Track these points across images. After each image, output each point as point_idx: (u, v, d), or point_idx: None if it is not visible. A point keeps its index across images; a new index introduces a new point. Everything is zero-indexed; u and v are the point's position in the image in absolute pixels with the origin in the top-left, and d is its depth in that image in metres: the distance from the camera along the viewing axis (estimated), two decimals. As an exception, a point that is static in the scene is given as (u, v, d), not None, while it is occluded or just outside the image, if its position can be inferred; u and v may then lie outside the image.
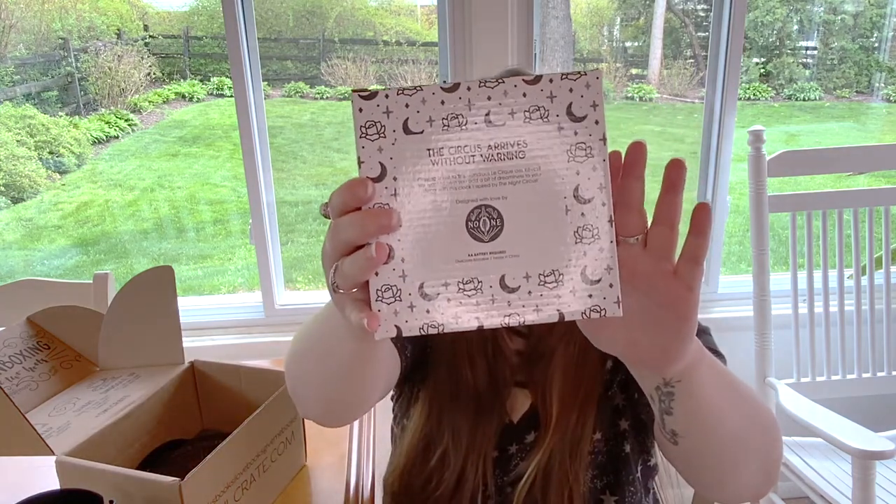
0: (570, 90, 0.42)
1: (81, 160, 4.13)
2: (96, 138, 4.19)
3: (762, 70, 4.61)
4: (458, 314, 0.42)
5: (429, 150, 0.41)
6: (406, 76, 4.51)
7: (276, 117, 4.54)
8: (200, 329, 1.91)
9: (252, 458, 0.88)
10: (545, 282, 0.42)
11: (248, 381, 1.01)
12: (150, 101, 4.48)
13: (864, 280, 1.80)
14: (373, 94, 0.41)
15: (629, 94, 4.50)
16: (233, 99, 1.74)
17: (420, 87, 0.41)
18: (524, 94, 0.42)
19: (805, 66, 4.74)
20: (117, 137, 4.30)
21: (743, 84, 4.40)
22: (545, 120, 0.42)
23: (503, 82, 0.42)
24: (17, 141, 3.76)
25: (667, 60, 4.47)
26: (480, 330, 0.43)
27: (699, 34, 4.31)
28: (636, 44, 4.68)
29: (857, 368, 1.80)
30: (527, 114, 0.42)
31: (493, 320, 0.42)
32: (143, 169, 4.35)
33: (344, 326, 0.51)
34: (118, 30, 4.33)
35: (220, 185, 4.36)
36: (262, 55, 1.78)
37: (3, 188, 3.76)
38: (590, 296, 0.43)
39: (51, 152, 3.93)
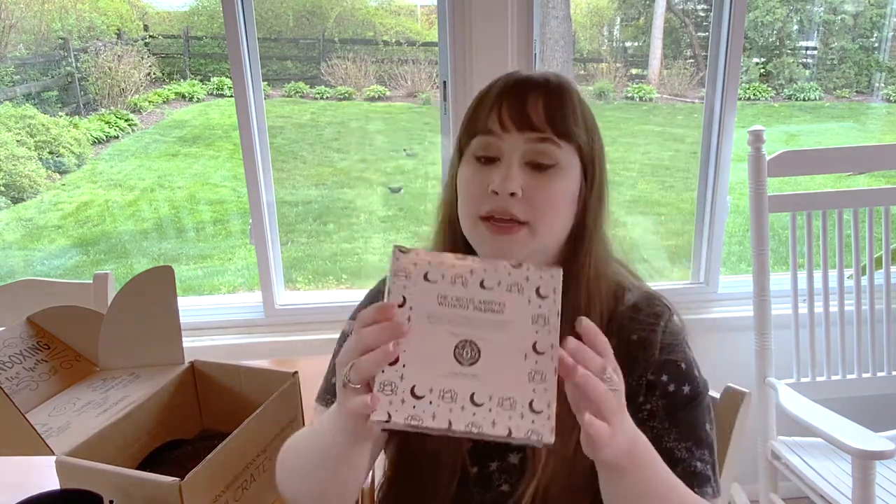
0: (540, 277, 0.59)
1: (81, 160, 4.12)
2: (96, 138, 4.19)
3: (762, 70, 4.61)
4: (434, 414, 0.55)
5: (438, 294, 0.57)
6: (406, 76, 4.51)
7: (276, 117, 4.53)
8: (200, 329, 1.91)
9: (252, 458, 0.88)
10: (503, 404, 0.56)
11: (248, 381, 1.01)
12: (150, 101, 4.48)
13: (864, 280, 1.80)
14: (409, 251, 0.58)
15: (629, 94, 4.50)
16: (233, 99, 1.74)
17: (441, 253, 0.58)
18: (509, 273, 0.58)
19: (805, 66, 4.73)
20: (117, 137, 4.29)
21: (743, 84, 4.40)
22: (520, 293, 0.58)
23: (498, 261, 0.58)
24: (17, 141, 3.76)
25: (667, 60, 4.47)
26: (449, 431, 0.55)
27: (699, 34, 4.31)
28: (636, 44, 4.68)
29: (857, 368, 1.80)
30: (509, 286, 0.58)
31: (459, 425, 0.55)
32: (143, 169, 4.35)
33: (341, 428, 0.63)
34: (118, 30, 4.33)
35: (220, 185, 4.36)
36: (262, 55, 1.78)
37: (3, 188, 3.76)
38: (532, 422, 0.56)
39: (51, 152, 3.93)
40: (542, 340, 0.57)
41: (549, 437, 0.55)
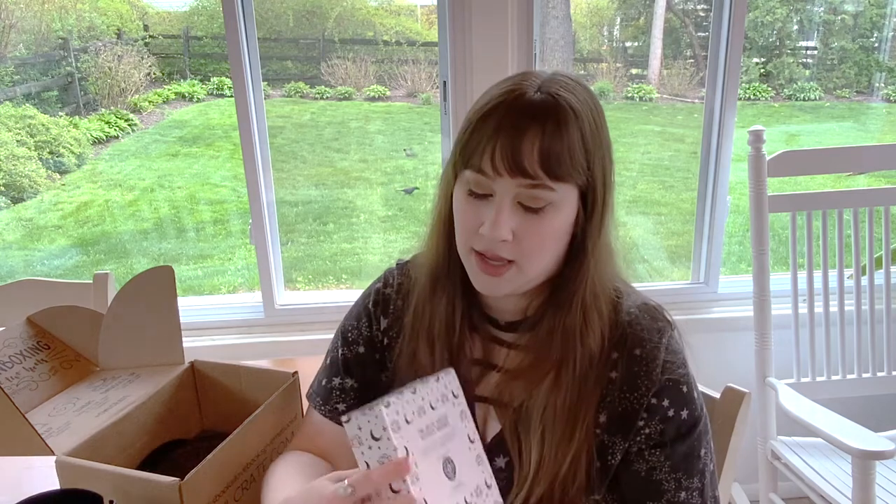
0: (448, 381, 0.69)
1: (81, 160, 4.12)
2: (96, 138, 4.19)
3: (762, 70, 4.61)
4: None
5: (419, 430, 0.63)
6: (406, 76, 4.51)
7: (276, 117, 4.53)
8: (200, 329, 1.91)
9: (252, 458, 0.88)
10: (477, 494, 0.67)
11: (248, 381, 1.01)
12: (150, 101, 4.48)
13: (864, 280, 1.80)
14: (387, 404, 0.61)
15: (629, 94, 4.50)
16: (233, 99, 1.74)
17: (397, 394, 0.63)
18: (437, 388, 0.67)
19: (805, 66, 4.73)
20: (117, 137, 4.29)
21: (743, 84, 4.40)
22: (447, 400, 0.68)
23: (427, 381, 0.67)
24: (17, 141, 3.75)
25: (667, 60, 4.47)
26: None
27: (699, 34, 4.31)
28: (636, 44, 4.68)
29: (857, 368, 1.80)
30: (441, 398, 0.67)
31: None
32: (143, 169, 4.35)
33: None
34: (118, 30, 4.33)
35: (220, 185, 4.36)
36: (262, 55, 1.78)
37: (3, 188, 3.76)
38: (491, 494, 0.68)
39: (51, 152, 3.93)
40: (470, 430, 0.69)
41: (500, 498, 0.70)
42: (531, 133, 0.69)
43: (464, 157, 0.73)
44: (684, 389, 0.77)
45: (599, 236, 0.75)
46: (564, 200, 0.72)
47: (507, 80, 0.74)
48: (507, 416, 0.80)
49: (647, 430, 0.76)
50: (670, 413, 0.76)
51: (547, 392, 0.76)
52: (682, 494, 0.76)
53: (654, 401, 0.75)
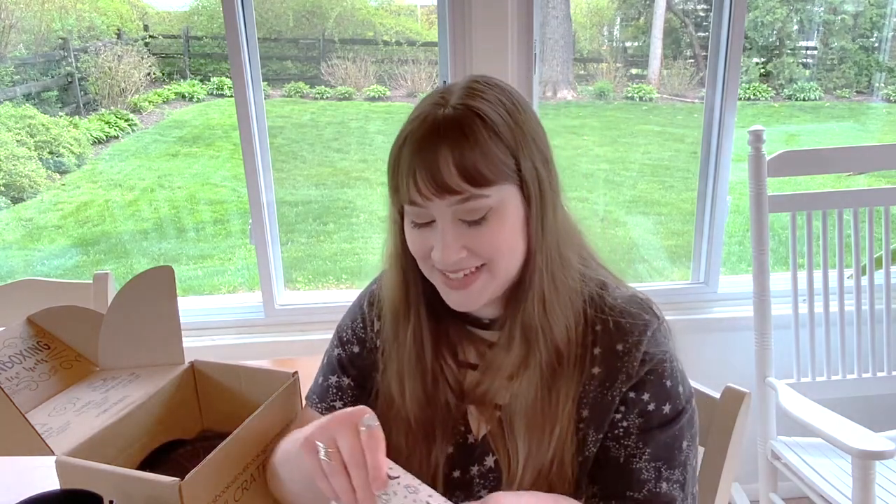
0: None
1: (81, 160, 4.13)
2: (96, 138, 4.19)
3: (762, 70, 4.62)
4: None
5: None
6: (406, 76, 4.51)
7: (276, 117, 4.54)
8: (200, 329, 1.91)
9: (252, 458, 0.88)
10: None
11: (248, 381, 1.01)
12: (150, 101, 4.48)
13: (864, 280, 1.80)
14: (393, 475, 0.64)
15: (629, 94, 4.51)
16: (233, 99, 1.74)
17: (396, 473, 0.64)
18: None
19: (805, 66, 4.74)
20: (117, 137, 4.30)
21: (743, 84, 4.40)
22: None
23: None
24: (17, 141, 3.76)
25: (667, 60, 4.47)
26: None
27: (699, 34, 4.31)
28: (636, 44, 4.68)
29: (857, 368, 1.80)
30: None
31: None
32: (143, 169, 4.35)
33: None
34: (118, 30, 4.34)
35: (220, 185, 4.36)
36: (262, 55, 1.78)
37: (3, 188, 3.76)
38: None
39: (51, 152, 3.94)
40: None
41: None
42: (443, 150, 0.68)
43: (395, 193, 0.74)
44: (668, 384, 0.76)
45: (543, 228, 0.74)
46: (504, 201, 0.71)
47: (418, 105, 0.74)
48: (492, 416, 0.80)
49: (624, 423, 0.75)
50: (650, 407, 0.75)
51: (524, 387, 0.76)
52: (664, 485, 0.75)
53: (632, 395, 0.75)
